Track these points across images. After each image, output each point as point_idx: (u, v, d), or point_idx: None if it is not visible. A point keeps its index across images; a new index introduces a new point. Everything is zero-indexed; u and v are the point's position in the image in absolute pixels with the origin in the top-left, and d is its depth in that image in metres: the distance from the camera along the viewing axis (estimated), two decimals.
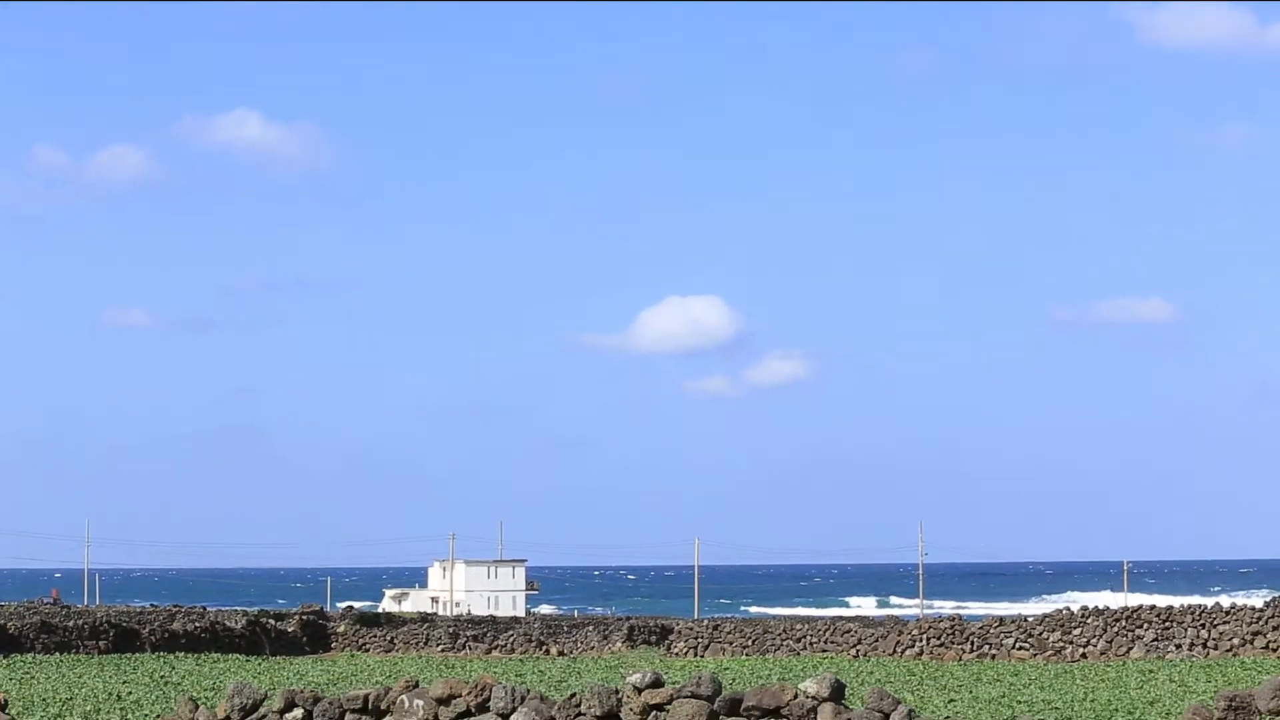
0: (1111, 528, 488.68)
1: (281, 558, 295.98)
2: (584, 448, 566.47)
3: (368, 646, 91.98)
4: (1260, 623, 65.36)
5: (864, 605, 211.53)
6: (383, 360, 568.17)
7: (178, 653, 78.38)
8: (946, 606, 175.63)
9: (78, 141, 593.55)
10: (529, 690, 18.41)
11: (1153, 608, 69.06)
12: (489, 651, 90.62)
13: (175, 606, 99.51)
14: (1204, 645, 65.68)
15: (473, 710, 18.46)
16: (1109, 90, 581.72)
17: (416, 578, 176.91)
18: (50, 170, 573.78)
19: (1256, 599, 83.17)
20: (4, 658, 70.39)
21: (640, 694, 17.68)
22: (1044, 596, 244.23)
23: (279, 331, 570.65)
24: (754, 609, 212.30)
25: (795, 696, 17.10)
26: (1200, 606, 67.97)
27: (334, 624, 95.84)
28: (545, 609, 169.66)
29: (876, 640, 74.45)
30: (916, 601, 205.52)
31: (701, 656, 79.28)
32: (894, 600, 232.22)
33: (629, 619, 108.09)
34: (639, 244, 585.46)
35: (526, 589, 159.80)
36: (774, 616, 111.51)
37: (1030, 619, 72.20)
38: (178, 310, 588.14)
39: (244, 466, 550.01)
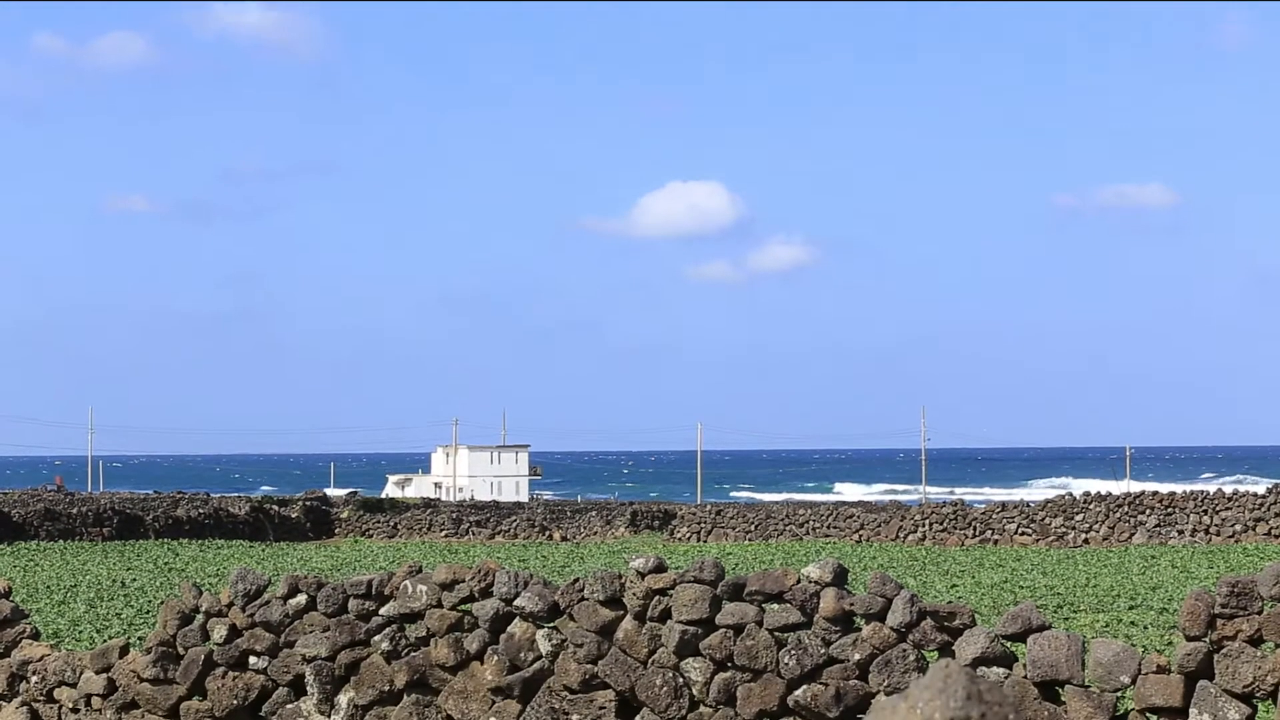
0: (1107, 414, 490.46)
1: (284, 444, 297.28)
2: (585, 332, 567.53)
3: (371, 532, 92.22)
4: (1262, 509, 65.47)
5: (845, 492, 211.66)
6: (383, 246, 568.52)
7: (181, 539, 78.60)
8: (935, 492, 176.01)
9: (77, 29, 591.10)
10: (532, 575, 18.37)
11: (1155, 493, 69.16)
12: (492, 537, 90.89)
13: (179, 493, 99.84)
14: (1206, 531, 65.81)
15: (476, 595, 18.43)
16: None
17: (420, 463, 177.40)
18: (50, 58, 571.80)
19: (1258, 485, 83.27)
20: (8, 545, 70.60)
21: (643, 579, 17.64)
22: (1031, 482, 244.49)
23: (279, 218, 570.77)
24: (744, 494, 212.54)
25: (798, 581, 17.05)
26: (1202, 493, 68.08)
27: (337, 510, 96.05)
28: (547, 494, 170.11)
29: (879, 525, 74.63)
30: (905, 488, 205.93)
31: (704, 541, 79.51)
32: (878, 487, 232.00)
33: (632, 504, 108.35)
34: (640, 128, 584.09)
35: (529, 474, 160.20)
36: (773, 503, 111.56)
37: (1032, 504, 72.31)
38: (178, 196, 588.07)
39: (246, 353, 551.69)
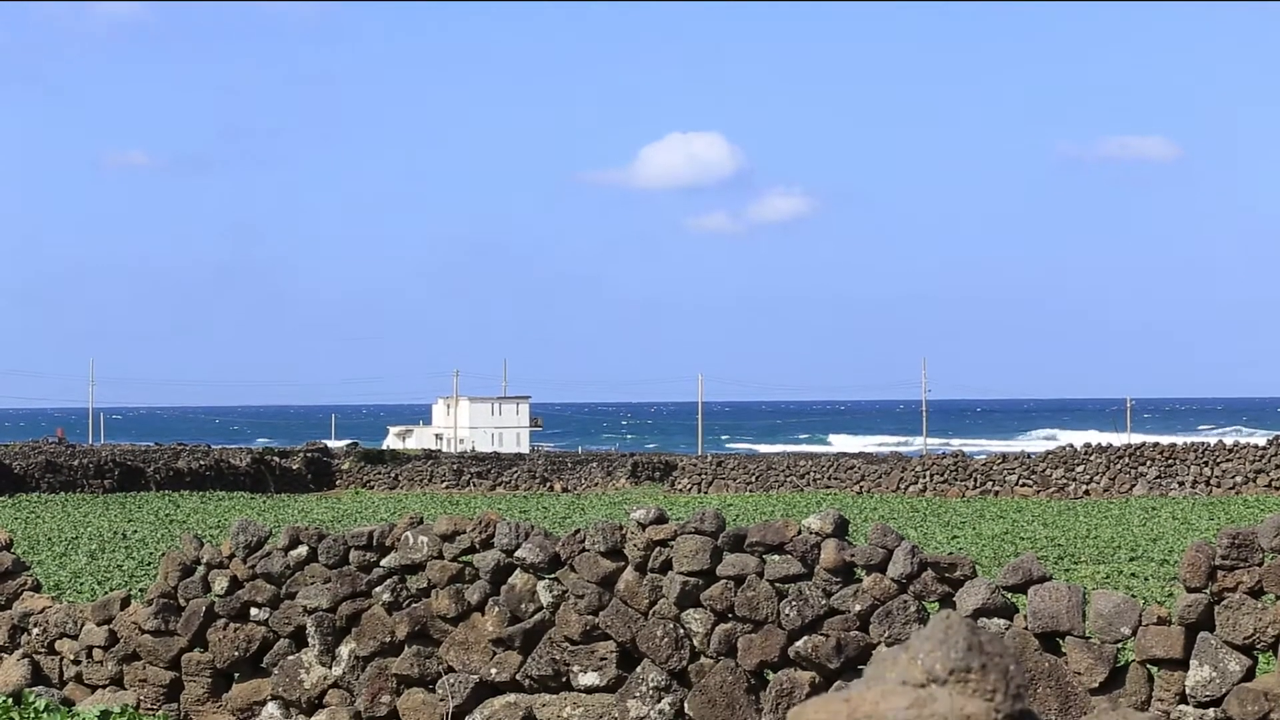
0: (1107, 365, 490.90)
1: (285, 395, 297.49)
2: (585, 284, 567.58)
3: (372, 484, 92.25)
4: (1263, 460, 65.51)
5: (839, 444, 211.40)
6: (383, 198, 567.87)
7: (182, 491, 78.67)
8: (933, 443, 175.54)
9: None
10: (533, 526, 18.36)
11: (1155, 445, 69.19)
12: (493, 488, 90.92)
13: (179, 445, 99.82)
14: (1206, 483, 65.86)
15: (477, 546, 18.42)
16: None
17: (420, 415, 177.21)
18: (47, 12, 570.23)
19: (1255, 436, 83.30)
20: (9, 497, 70.66)
21: (644, 530, 17.63)
22: (1025, 434, 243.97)
23: (278, 171, 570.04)
24: (743, 445, 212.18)
25: (799, 532, 17.05)
26: (1203, 444, 68.09)
27: (338, 461, 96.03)
28: (548, 446, 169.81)
29: (880, 477, 74.65)
30: (901, 439, 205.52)
31: (705, 493, 79.56)
32: (873, 438, 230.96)
33: (633, 455, 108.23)
34: (640, 78, 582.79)
35: (530, 425, 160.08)
36: (773, 454, 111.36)
37: (1034, 456, 72.30)
38: (176, 150, 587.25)
39: (246, 305, 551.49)
